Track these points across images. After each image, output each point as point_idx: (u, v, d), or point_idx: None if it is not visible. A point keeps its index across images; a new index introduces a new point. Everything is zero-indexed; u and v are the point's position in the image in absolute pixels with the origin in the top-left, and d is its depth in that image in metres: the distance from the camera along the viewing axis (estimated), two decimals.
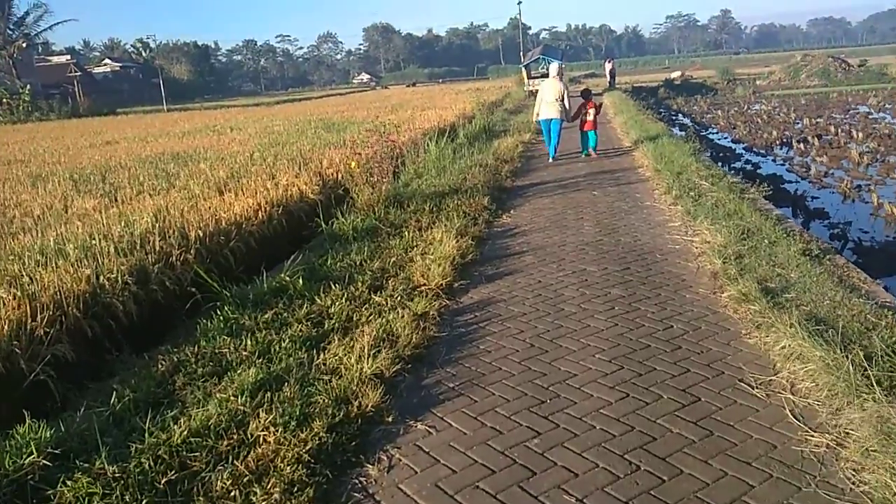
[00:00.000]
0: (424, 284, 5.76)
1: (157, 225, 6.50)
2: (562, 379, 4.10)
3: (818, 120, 20.34)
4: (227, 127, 23.47)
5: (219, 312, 5.08)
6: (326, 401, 3.74)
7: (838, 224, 9.01)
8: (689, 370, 4.11)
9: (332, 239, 7.32)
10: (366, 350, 4.31)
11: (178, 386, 4.04)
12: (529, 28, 69.21)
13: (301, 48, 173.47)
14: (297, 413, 3.57)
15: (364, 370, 4.10)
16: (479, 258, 6.72)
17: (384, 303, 5.34)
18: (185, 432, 3.35)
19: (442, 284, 5.76)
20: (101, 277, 5.01)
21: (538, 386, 4.03)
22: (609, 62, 35.97)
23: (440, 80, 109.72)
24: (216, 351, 4.49)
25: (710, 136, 19.18)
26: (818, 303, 4.76)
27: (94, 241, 5.83)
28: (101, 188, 10.07)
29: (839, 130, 17.34)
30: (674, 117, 25.27)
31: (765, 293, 4.98)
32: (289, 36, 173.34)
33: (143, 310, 5.19)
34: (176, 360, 4.36)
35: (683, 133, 18.04)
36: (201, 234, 6.38)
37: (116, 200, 8.96)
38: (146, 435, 3.33)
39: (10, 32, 63.09)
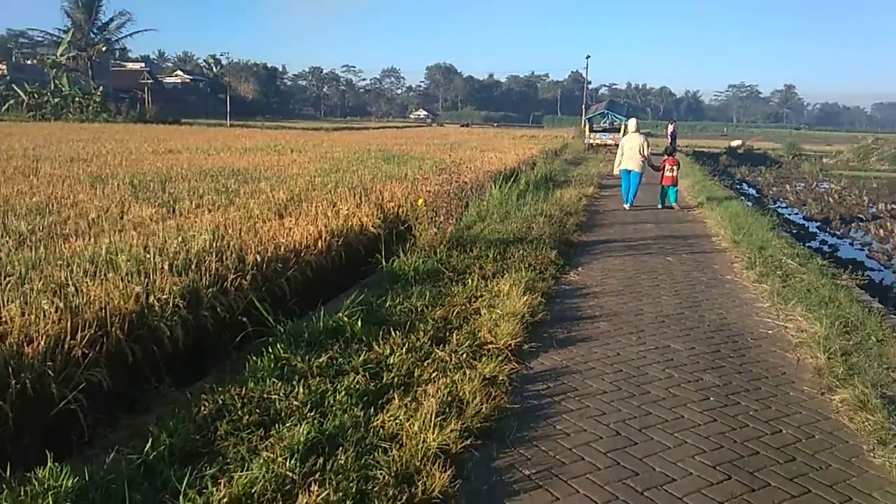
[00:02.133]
0: (492, 342, 5.24)
1: (215, 244, 6.14)
2: (658, 483, 3.50)
3: (893, 206, 19.35)
4: (288, 148, 23.55)
5: (270, 350, 4.63)
6: (387, 478, 3.22)
7: None
8: (810, 490, 3.47)
9: (391, 278, 6.87)
10: (431, 417, 3.79)
11: (220, 435, 3.56)
12: (590, 83, 69.11)
13: (364, 79, 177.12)
14: (354, 491, 3.05)
15: (429, 442, 3.58)
16: (548, 318, 6.17)
17: (448, 359, 4.82)
18: (225, 499, 2.86)
19: (511, 345, 5.23)
20: (152, 297, 4.61)
21: (630, 489, 3.44)
22: (672, 124, 35.31)
23: (495, 124, 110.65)
24: (265, 396, 4.01)
25: (780, 211, 18.37)
26: None
27: (147, 256, 5.47)
28: (159, 197, 9.86)
29: None
30: (738, 187, 24.47)
31: (884, 401, 4.33)
32: (354, 66, 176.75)
33: (189, 337, 4.77)
34: (220, 401, 3.90)
35: (751, 204, 17.29)
36: (259, 259, 5.99)
37: (174, 212, 8.70)
38: (181, 497, 2.85)
39: (94, 36, 65.63)
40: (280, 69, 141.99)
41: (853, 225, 15.71)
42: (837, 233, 15.00)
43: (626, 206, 13.84)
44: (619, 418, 4.24)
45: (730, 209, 12.62)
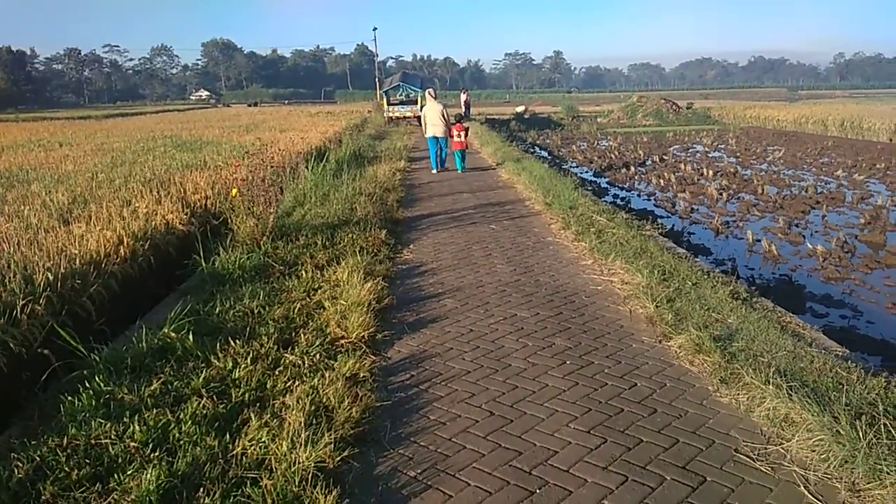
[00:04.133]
0: (343, 337, 4.91)
1: None
2: (544, 459, 3.46)
3: (664, 157, 21.73)
4: (55, 142, 20.64)
5: (87, 384, 3.90)
6: None
7: (723, 261, 9.27)
8: (679, 440, 3.65)
9: (215, 280, 6.20)
10: (299, 432, 3.41)
11: (47, 501, 2.89)
12: (377, 56, 69.26)
13: (132, 59, 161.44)
14: None
15: (303, 462, 3.21)
16: (395, 303, 5.95)
17: (301, 363, 4.42)
18: None
19: (364, 336, 4.95)
20: None
21: (520, 471, 3.36)
22: (465, 93, 36.44)
23: (286, 102, 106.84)
24: (93, 442, 3.35)
25: (573, 170, 19.77)
26: (773, 353, 4.53)
27: None
28: None
29: (686, 167, 18.56)
30: (532, 150, 25.96)
31: (716, 342, 4.72)
32: (118, 46, 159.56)
33: None
34: (37, 458, 3.18)
35: (547, 166, 18.39)
36: (51, 277, 5.04)
37: None
38: None
39: None
40: (29, 53, 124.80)
41: (636, 178, 17.33)
42: (625, 186, 16.47)
43: (434, 171, 15.05)
44: (488, 397, 4.16)
45: (535, 173, 13.24)
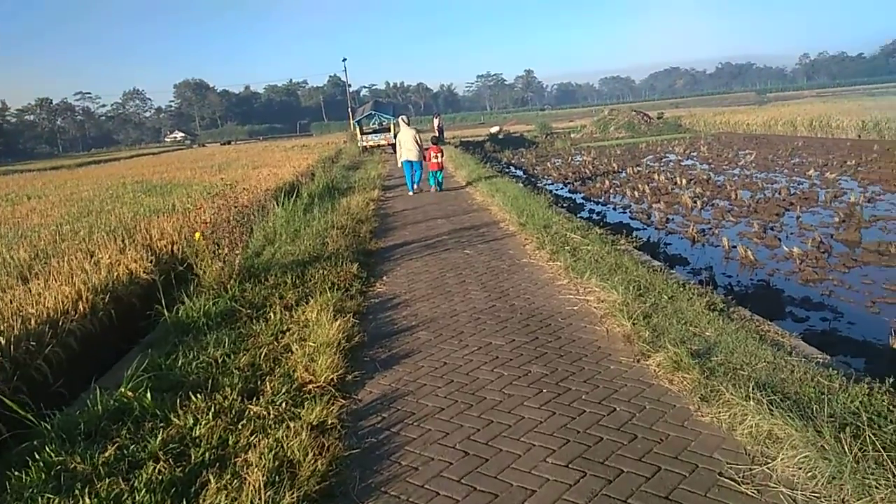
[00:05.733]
0: (311, 381, 4.72)
1: None
2: (520, 500, 3.28)
3: (638, 168, 21.82)
4: (23, 195, 20.31)
5: (37, 455, 3.68)
6: None
7: (700, 270, 9.20)
8: (661, 467, 3.49)
9: (179, 329, 5.99)
10: (259, 493, 3.22)
11: None
12: (350, 86, 69.54)
13: (104, 106, 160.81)
14: None
15: None
16: (366, 339, 5.77)
17: (266, 414, 4.23)
18: None
19: (332, 379, 4.76)
20: None
21: None
22: (437, 117, 36.47)
23: (261, 138, 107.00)
24: None
25: (549, 187, 19.77)
26: (753, 366, 4.41)
27: None
28: None
29: (660, 177, 18.62)
30: (507, 170, 26.00)
31: (694, 358, 4.59)
32: (89, 93, 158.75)
33: None
34: None
35: (522, 185, 18.38)
36: (2, 342, 4.82)
37: None
38: None
39: None
40: None
41: (611, 191, 17.34)
42: (601, 200, 16.46)
43: (410, 192, 16.12)
44: (463, 436, 3.99)
45: (509, 193, 13.17)
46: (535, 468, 3.56)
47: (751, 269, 9.23)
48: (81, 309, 6.00)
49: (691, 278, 8.79)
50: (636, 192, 16.26)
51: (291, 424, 4.01)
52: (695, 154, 25.66)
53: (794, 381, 4.12)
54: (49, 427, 4.02)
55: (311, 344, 5.29)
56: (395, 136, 24.54)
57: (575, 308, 6.33)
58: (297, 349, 5.25)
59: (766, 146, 26.44)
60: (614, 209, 15.05)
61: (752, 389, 3.93)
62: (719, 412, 3.97)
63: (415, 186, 16.25)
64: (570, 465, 3.56)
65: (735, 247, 9.95)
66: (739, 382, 4.11)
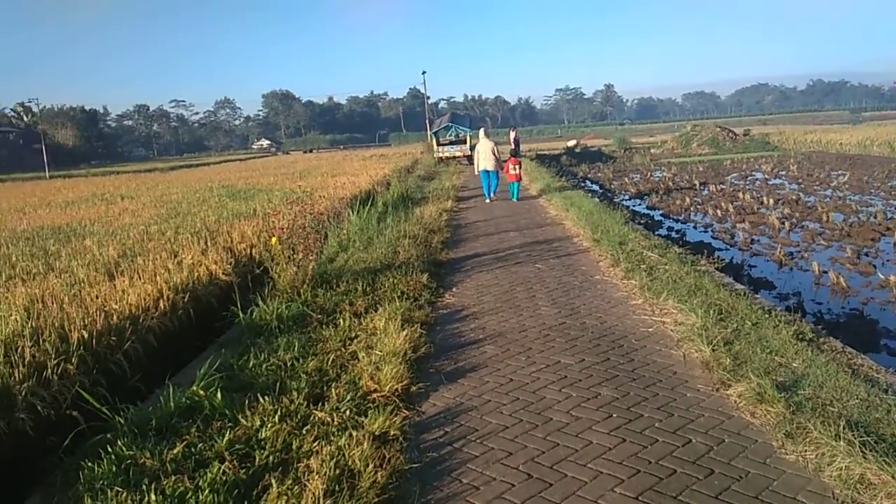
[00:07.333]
0: (376, 390, 4.70)
1: (30, 324, 5.10)
2: None
3: (721, 186, 21.02)
4: (118, 195, 21.51)
5: (110, 448, 3.79)
6: None
7: (788, 295, 8.71)
8: None
9: (252, 331, 6.12)
10: (318, 502, 3.19)
11: None
12: (429, 97, 70.47)
13: (197, 113, 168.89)
14: None
15: None
16: (432, 351, 5.72)
17: (330, 420, 4.22)
18: None
19: (397, 389, 4.73)
20: None
21: None
22: (513, 130, 36.34)
23: (342, 147, 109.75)
24: None
25: (625, 203, 19.30)
26: (844, 402, 4.10)
27: None
28: None
29: (746, 196, 17.85)
30: (582, 184, 25.59)
31: (780, 391, 4.29)
32: (184, 101, 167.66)
33: (2, 449, 3.81)
34: None
35: (598, 199, 18.02)
36: (86, 335, 5.03)
37: None
38: None
39: None
40: (101, 111, 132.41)
41: (692, 209, 16.75)
42: (680, 218, 15.91)
43: (487, 200, 16.91)
44: (527, 457, 3.86)
45: (583, 208, 12.92)
46: (601, 497, 3.40)
47: (843, 296, 8.65)
48: (162, 307, 6.22)
49: (777, 304, 8.34)
50: (719, 211, 15.63)
51: (354, 433, 3.99)
52: (783, 173, 24.51)
53: (891, 422, 3.79)
54: (122, 421, 4.15)
55: (377, 352, 5.28)
56: (471, 148, 26.62)
57: (650, 330, 6.08)
58: (363, 357, 5.25)
59: (861, 167, 24.98)
60: (695, 228, 14.51)
61: (843, 428, 3.64)
62: (805, 451, 3.69)
63: (491, 195, 16.96)
64: (639, 497, 3.38)
65: (826, 272, 9.37)
66: (829, 420, 3.82)
